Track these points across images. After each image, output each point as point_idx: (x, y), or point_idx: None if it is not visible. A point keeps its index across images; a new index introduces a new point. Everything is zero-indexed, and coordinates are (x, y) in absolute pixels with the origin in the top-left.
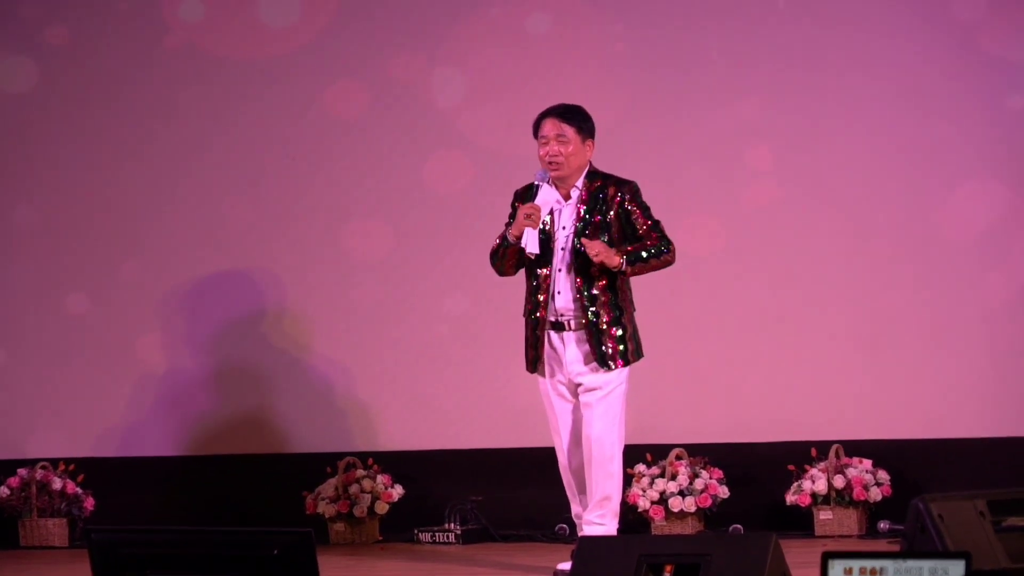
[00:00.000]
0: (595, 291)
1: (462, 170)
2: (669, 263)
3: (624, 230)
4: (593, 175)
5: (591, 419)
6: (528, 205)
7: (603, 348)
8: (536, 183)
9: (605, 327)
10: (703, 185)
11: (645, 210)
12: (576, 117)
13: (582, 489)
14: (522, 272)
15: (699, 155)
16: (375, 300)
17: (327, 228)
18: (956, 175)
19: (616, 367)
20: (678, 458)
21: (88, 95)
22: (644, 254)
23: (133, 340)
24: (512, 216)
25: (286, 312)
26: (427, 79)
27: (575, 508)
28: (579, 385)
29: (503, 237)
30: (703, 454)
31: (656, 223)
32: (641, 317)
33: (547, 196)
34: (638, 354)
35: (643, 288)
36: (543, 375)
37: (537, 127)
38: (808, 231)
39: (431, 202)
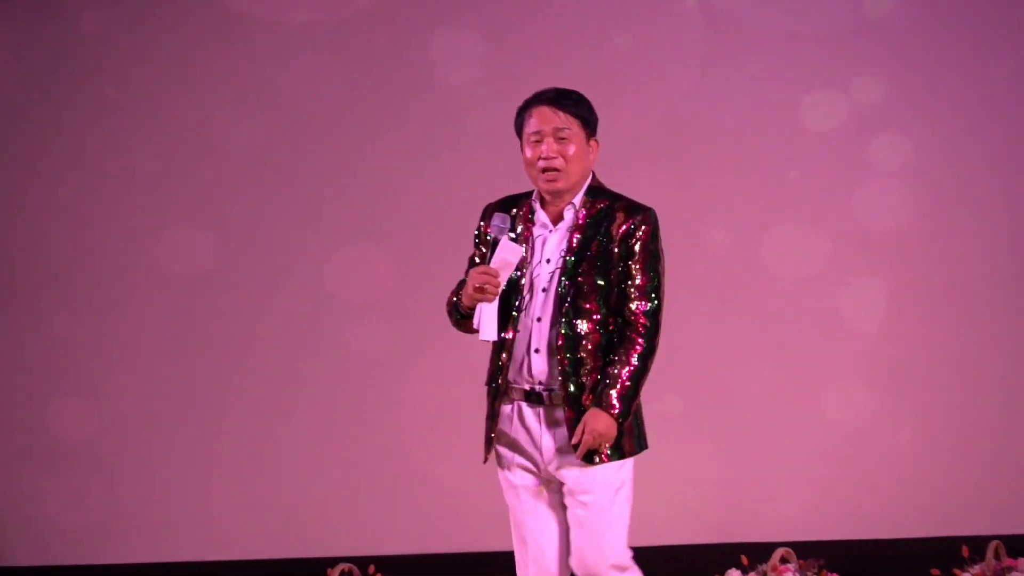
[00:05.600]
0: (582, 353)
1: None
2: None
3: (619, 275)
4: (596, 192)
5: (585, 541)
6: (480, 269)
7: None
8: (494, 236)
9: (588, 405)
10: (806, 186)
11: (651, 273)
12: (579, 104)
13: None
14: None
15: (802, 151)
16: (368, 388)
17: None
18: None
19: (603, 460)
20: (784, 561)
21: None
22: (630, 386)
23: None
24: (476, 249)
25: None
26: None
27: None
28: (562, 484)
29: (456, 303)
30: (817, 555)
31: (654, 306)
32: (722, 369)
33: (508, 255)
34: (640, 445)
35: (722, 331)
36: (501, 465)
37: (522, 120)
38: (952, 247)
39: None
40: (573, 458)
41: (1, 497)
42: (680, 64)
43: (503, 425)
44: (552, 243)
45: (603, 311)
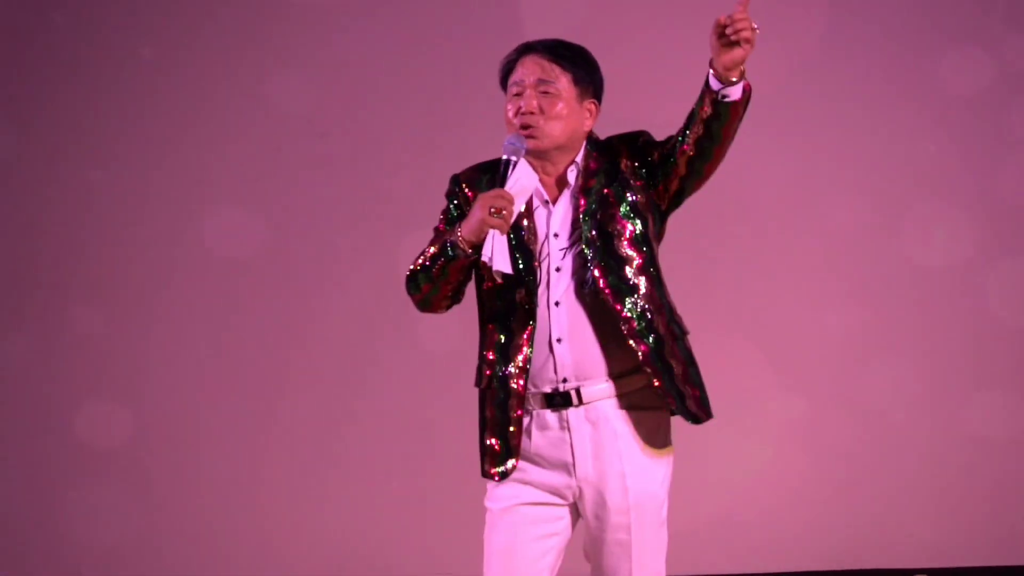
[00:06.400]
0: (642, 302)
1: None
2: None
3: (649, 180)
4: (598, 146)
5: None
6: (493, 192)
7: (680, 389)
8: (507, 157)
9: (673, 357)
10: (948, 160)
11: None
12: (576, 59)
13: None
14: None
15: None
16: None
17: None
18: None
19: (703, 417)
20: None
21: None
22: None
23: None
24: (451, 215)
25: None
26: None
27: None
28: (601, 505)
29: (444, 245)
30: None
31: None
32: (852, 370)
33: (525, 180)
34: (707, 405)
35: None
36: (509, 479)
37: (509, 70)
38: None
39: None
40: (619, 466)
41: (24, 512)
42: (802, 15)
43: (515, 433)
44: (558, 215)
45: (644, 253)
